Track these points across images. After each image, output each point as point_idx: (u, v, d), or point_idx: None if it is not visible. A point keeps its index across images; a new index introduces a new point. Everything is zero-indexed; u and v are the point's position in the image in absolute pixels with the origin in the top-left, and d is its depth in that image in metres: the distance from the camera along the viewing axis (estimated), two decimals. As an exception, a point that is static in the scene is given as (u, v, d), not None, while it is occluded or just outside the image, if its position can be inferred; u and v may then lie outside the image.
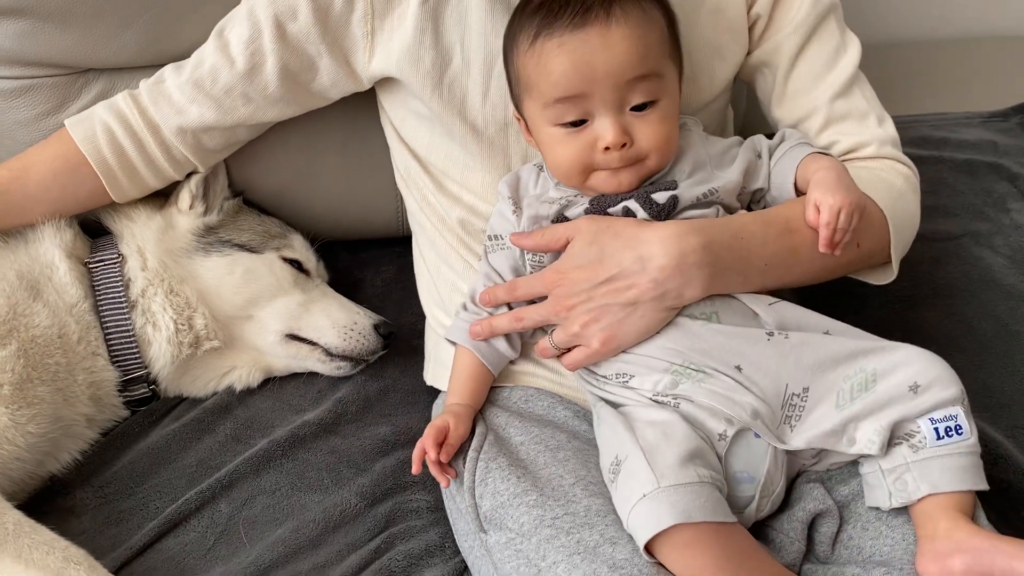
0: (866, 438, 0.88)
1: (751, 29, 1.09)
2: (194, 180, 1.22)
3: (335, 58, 1.10)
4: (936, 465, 0.86)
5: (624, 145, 0.92)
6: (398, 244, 1.36)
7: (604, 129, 0.92)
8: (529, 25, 0.94)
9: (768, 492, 0.90)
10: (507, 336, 1.02)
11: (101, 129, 1.14)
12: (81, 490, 1.10)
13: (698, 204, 0.96)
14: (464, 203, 1.10)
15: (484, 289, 1.02)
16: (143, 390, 1.17)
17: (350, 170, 1.32)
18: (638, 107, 0.92)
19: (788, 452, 0.91)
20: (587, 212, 0.96)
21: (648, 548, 0.82)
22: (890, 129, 1.09)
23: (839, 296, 1.14)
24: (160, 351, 1.15)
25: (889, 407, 0.88)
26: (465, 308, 1.04)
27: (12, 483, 1.05)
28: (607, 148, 0.92)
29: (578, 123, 0.93)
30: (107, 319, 1.14)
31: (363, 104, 1.21)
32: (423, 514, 1.10)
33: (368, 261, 1.41)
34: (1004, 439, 1.15)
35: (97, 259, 1.18)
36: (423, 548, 1.05)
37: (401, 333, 1.27)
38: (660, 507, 0.81)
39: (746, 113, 1.46)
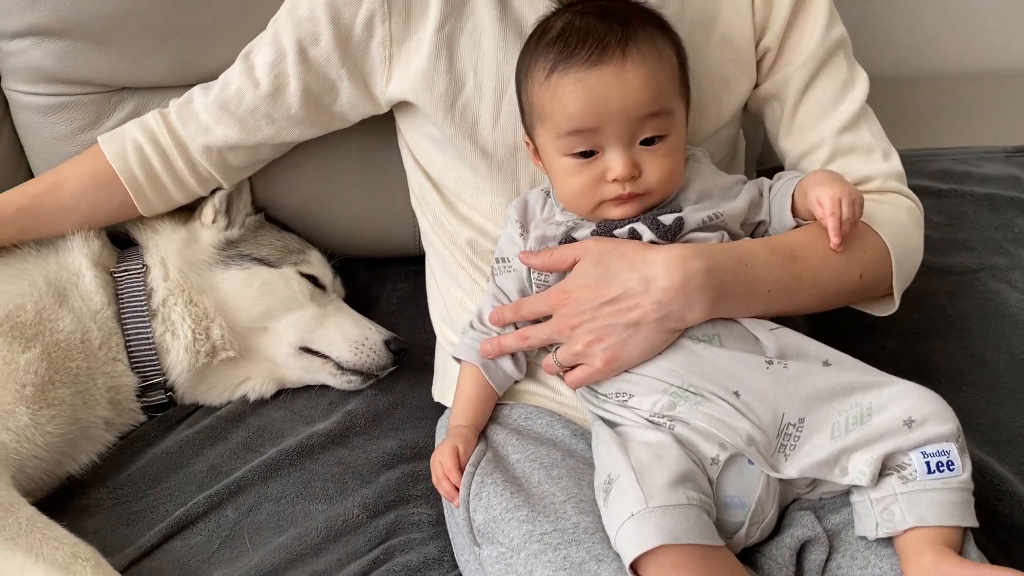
0: (857, 469, 0.88)
1: (760, 62, 1.10)
2: (218, 196, 1.26)
3: (355, 82, 1.14)
4: (925, 499, 0.86)
5: (633, 177, 0.94)
6: (414, 263, 1.39)
7: (614, 161, 0.94)
8: (545, 58, 0.97)
9: (758, 519, 0.90)
10: (513, 357, 1.04)
11: (131, 146, 1.19)
12: (96, 490, 1.14)
13: (703, 227, 0.98)
14: (474, 224, 1.13)
15: (491, 309, 1.05)
16: (160, 396, 1.22)
17: (368, 190, 1.35)
18: (647, 141, 0.95)
19: (781, 480, 0.92)
20: (593, 234, 0.99)
21: (634, 568, 0.83)
22: (895, 163, 1.09)
23: (850, 323, 1.15)
24: (178, 359, 1.19)
25: (882, 440, 0.88)
26: (472, 327, 1.07)
27: (30, 480, 1.09)
28: (615, 180, 0.94)
29: (588, 154, 0.96)
30: (128, 326, 1.19)
31: (382, 127, 1.24)
32: (424, 527, 1.12)
33: (385, 279, 1.44)
34: (1011, 475, 1.14)
35: (122, 269, 1.23)
36: (421, 560, 1.07)
37: (413, 350, 1.30)
38: (647, 527, 0.82)
39: (764, 143, 1.47)
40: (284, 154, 1.28)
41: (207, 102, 1.19)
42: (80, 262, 1.19)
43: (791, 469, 0.90)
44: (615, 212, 0.97)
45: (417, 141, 1.18)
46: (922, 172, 1.54)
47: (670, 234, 0.96)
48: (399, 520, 1.12)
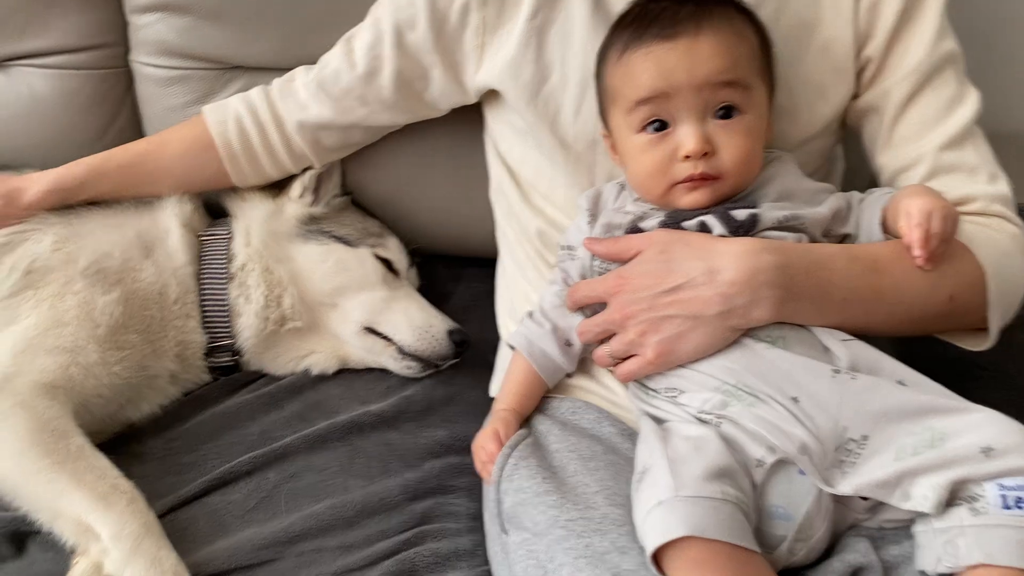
0: (921, 494, 0.80)
1: (860, 72, 1.05)
2: (308, 173, 1.30)
3: (447, 69, 1.16)
4: (997, 535, 0.76)
5: (706, 155, 0.90)
6: (492, 265, 1.37)
7: (685, 136, 0.91)
8: (619, 39, 0.96)
9: (805, 536, 0.83)
10: (563, 349, 1.01)
11: (232, 117, 1.25)
12: (152, 439, 1.17)
13: (780, 227, 0.93)
14: (546, 215, 1.12)
15: (551, 297, 1.02)
16: (227, 358, 1.24)
17: (455, 184, 1.36)
18: (722, 115, 0.91)
19: (836, 500, 0.84)
20: (662, 225, 0.95)
21: (658, 560, 0.77)
22: (1002, 187, 1.01)
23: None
24: (248, 322, 1.22)
25: (954, 465, 0.80)
26: (531, 316, 1.04)
27: (93, 419, 1.12)
28: (688, 156, 0.91)
29: (660, 129, 0.93)
30: (205, 286, 1.23)
31: (473, 123, 1.26)
32: (461, 519, 1.09)
33: (462, 276, 1.44)
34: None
35: (210, 233, 1.28)
36: (452, 550, 1.03)
37: (479, 347, 1.28)
38: (673, 516, 0.77)
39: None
40: (378, 141, 1.31)
41: (306, 80, 1.23)
42: (170, 221, 1.25)
43: (846, 486, 0.82)
44: (686, 199, 0.93)
45: (500, 131, 1.18)
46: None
47: (742, 230, 0.92)
48: (436, 508, 1.09)
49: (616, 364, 0.95)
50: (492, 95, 1.17)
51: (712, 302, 0.88)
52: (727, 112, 0.92)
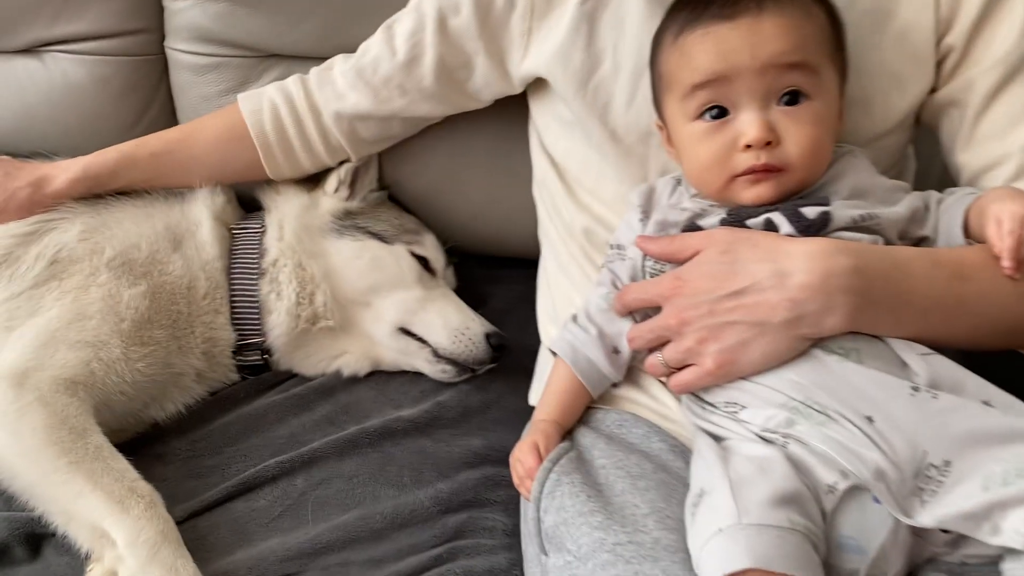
0: (1013, 528, 0.71)
1: (941, 62, 0.97)
2: (345, 167, 1.25)
3: (491, 56, 1.10)
4: None
5: (769, 144, 0.83)
6: (533, 266, 1.31)
7: (747, 123, 0.84)
8: (675, 21, 0.89)
9: (879, 571, 0.75)
10: (609, 356, 0.94)
11: (267, 106, 1.20)
12: (176, 440, 1.12)
13: (854, 227, 0.85)
14: (592, 212, 1.05)
15: (598, 300, 0.95)
16: (256, 357, 1.19)
17: (495, 180, 1.30)
18: (788, 101, 0.84)
19: (914, 532, 0.76)
20: (723, 223, 0.87)
21: (714, 594, 0.70)
22: None
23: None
24: (278, 320, 1.17)
25: (1052, 497, 0.71)
26: (575, 320, 0.97)
27: (115, 417, 1.08)
28: (749, 146, 0.83)
29: (719, 117, 0.85)
30: (236, 281, 1.18)
31: (515, 116, 1.20)
32: (496, 535, 1.02)
33: (500, 278, 1.38)
34: None
35: (242, 226, 1.23)
36: (486, 568, 0.97)
37: (517, 352, 1.22)
38: (736, 546, 0.69)
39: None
40: (416, 135, 1.26)
41: (345, 68, 1.18)
42: (201, 213, 1.20)
43: (927, 517, 0.74)
44: (748, 193, 0.86)
45: (547, 123, 1.11)
46: None
47: (813, 229, 0.84)
48: (471, 522, 1.03)
49: (670, 374, 0.88)
50: (538, 84, 1.11)
51: (780, 308, 0.80)
52: (793, 98, 0.84)
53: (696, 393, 0.86)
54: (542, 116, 1.12)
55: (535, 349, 1.19)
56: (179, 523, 0.99)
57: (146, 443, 1.12)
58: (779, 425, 0.79)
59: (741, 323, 0.81)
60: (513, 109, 1.19)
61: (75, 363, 1.03)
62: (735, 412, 0.82)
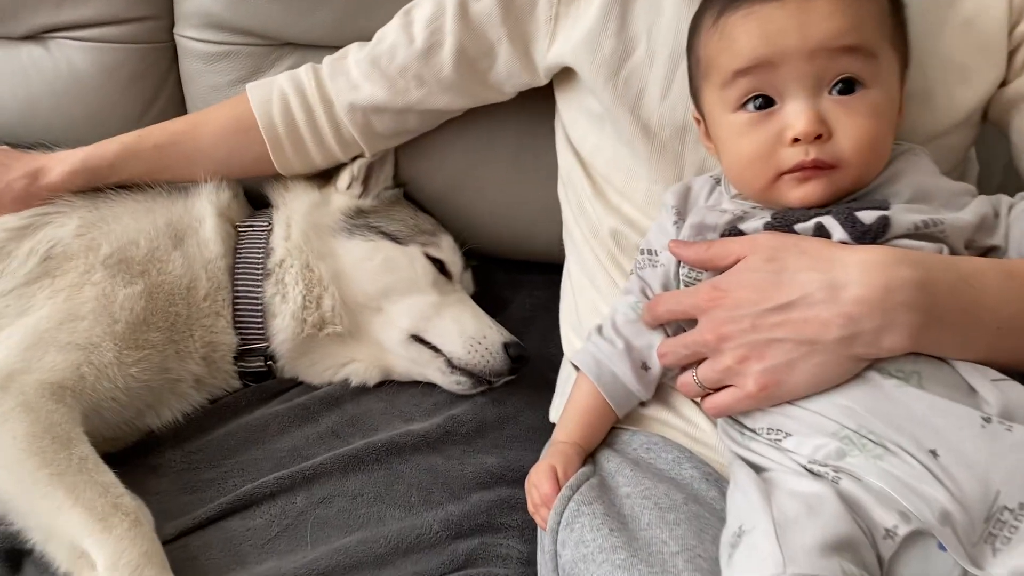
0: (1103, 584, 0.61)
1: (1012, 54, 0.87)
2: (358, 163, 1.18)
3: (514, 44, 1.02)
4: None
5: (819, 137, 0.74)
6: (557, 271, 1.23)
7: (794, 114, 0.75)
8: (715, 2, 0.80)
9: (942, 627, 0.65)
10: (637, 372, 0.85)
11: (277, 96, 1.13)
12: (171, 451, 1.05)
13: (916, 235, 0.75)
14: (621, 214, 0.96)
15: (625, 310, 0.87)
16: (259, 363, 1.12)
17: (518, 181, 1.23)
18: (841, 90, 0.74)
19: (983, 582, 0.66)
20: (767, 227, 0.78)
21: (753, 653, 0.61)
22: None
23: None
24: (283, 324, 1.10)
25: None
26: (600, 332, 0.89)
27: (107, 426, 1.01)
28: (797, 140, 0.74)
29: (763, 107, 0.77)
30: (239, 282, 1.11)
31: (540, 112, 1.13)
32: (511, 564, 0.94)
33: (522, 283, 1.30)
34: None
35: (248, 224, 1.16)
36: (499, 600, 0.89)
37: (537, 364, 1.15)
38: (778, 599, 0.60)
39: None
40: (434, 130, 1.18)
41: (359, 57, 1.11)
42: (205, 208, 1.13)
43: (1000, 567, 0.64)
44: (795, 193, 0.77)
45: (574, 117, 1.03)
46: None
47: (869, 236, 0.74)
48: (483, 549, 0.94)
49: (705, 395, 0.79)
50: (565, 75, 1.03)
51: (832, 325, 0.71)
52: (847, 86, 0.75)
53: (734, 417, 0.77)
54: (569, 109, 1.04)
55: (557, 361, 1.11)
56: (170, 541, 0.93)
57: (140, 453, 1.06)
58: (829, 456, 0.70)
59: (787, 341, 0.72)
60: (538, 102, 1.11)
61: (64, 367, 0.96)
62: (778, 440, 0.73)
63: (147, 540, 0.86)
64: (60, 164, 1.10)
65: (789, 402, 0.74)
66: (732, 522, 0.70)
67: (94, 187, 1.12)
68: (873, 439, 0.69)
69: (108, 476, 0.90)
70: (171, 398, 1.07)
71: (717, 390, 0.77)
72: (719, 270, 0.79)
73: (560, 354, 1.10)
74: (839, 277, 0.71)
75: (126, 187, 1.14)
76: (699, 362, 0.79)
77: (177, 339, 1.06)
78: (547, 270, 1.27)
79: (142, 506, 0.90)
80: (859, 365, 0.72)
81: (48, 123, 1.29)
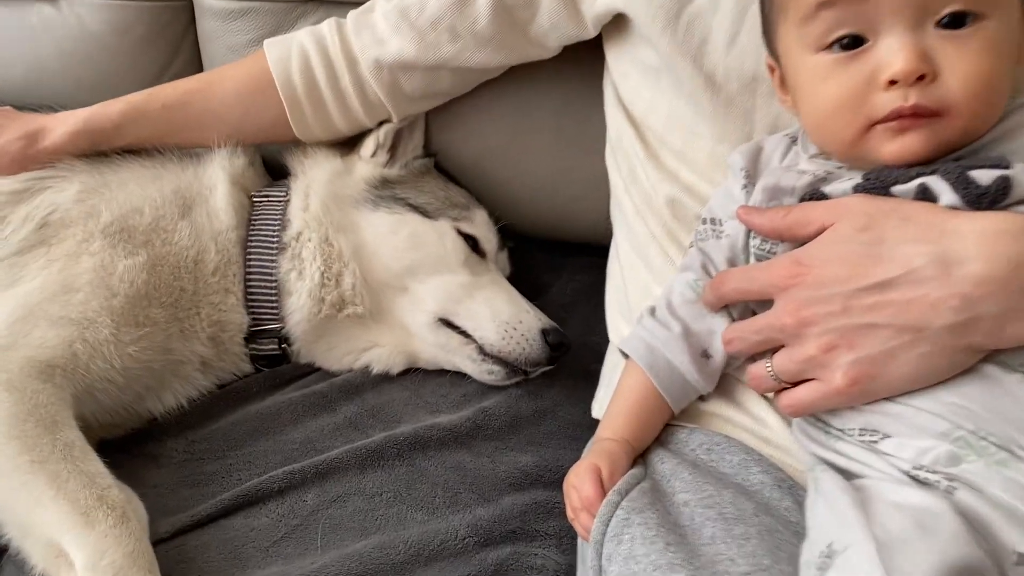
0: None
1: None
2: (384, 128, 1.08)
3: None
4: None
5: (921, 79, 0.61)
6: (602, 255, 1.12)
7: (891, 51, 0.62)
8: None
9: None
10: (696, 361, 0.73)
11: (297, 53, 1.03)
12: (173, 439, 0.96)
13: None
14: (679, 180, 0.84)
15: (683, 288, 0.75)
16: (272, 346, 1.02)
17: (562, 152, 1.12)
18: (948, 23, 0.62)
19: None
20: (858, 189, 0.66)
21: None
22: None
23: None
24: (299, 303, 1.00)
25: None
26: (653, 314, 0.77)
27: (103, 410, 0.92)
28: (893, 82, 0.62)
29: (852, 47, 0.64)
30: (252, 256, 1.01)
31: (587, 71, 1.02)
32: (547, 576, 0.82)
33: (563, 266, 1.19)
34: None
35: (264, 194, 1.06)
36: (533, 620, 0.78)
37: (579, 354, 1.04)
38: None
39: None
40: (468, 93, 1.08)
41: (387, 9, 1.00)
42: (217, 175, 1.04)
43: None
44: (890, 148, 0.64)
45: (625, 72, 0.92)
46: None
47: (986, 201, 0.62)
48: (515, 559, 0.84)
49: (780, 390, 0.66)
50: (616, 24, 0.92)
51: (943, 308, 0.59)
52: (957, 18, 0.62)
53: (818, 415, 0.65)
54: (620, 63, 0.93)
55: (601, 351, 1.01)
56: (164, 541, 0.84)
57: (139, 441, 0.97)
58: (938, 462, 0.58)
59: (886, 326, 0.60)
60: (584, 61, 1.01)
61: (55, 343, 0.87)
62: (874, 441, 0.62)
63: (133, 539, 0.76)
64: (61, 125, 1.01)
65: (887, 398, 0.61)
66: (818, 538, 0.58)
67: (99, 152, 1.03)
68: (995, 442, 0.57)
69: (95, 465, 0.81)
70: (174, 381, 0.98)
71: (795, 384, 0.65)
72: (798, 241, 0.67)
73: (604, 343, 1.00)
74: (953, 250, 0.59)
75: (135, 153, 1.05)
76: (773, 350, 0.67)
77: (182, 317, 0.97)
78: (591, 252, 1.16)
79: (133, 499, 0.81)
80: (973, 357, 0.60)
81: (56, 87, 1.21)
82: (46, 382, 0.84)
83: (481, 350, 0.99)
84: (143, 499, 0.84)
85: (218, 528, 0.86)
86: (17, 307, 0.89)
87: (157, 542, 0.82)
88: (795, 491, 0.69)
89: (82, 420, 0.88)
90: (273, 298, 1.00)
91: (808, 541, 0.60)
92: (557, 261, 1.20)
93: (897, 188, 0.64)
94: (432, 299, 1.01)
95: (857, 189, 0.66)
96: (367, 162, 1.07)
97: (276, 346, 1.02)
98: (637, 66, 0.90)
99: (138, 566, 0.74)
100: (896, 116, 0.63)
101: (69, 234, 0.95)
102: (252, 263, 1.01)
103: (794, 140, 0.76)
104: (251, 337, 1.01)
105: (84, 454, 0.81)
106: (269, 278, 1.00)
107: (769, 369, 0.67)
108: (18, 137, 1.00)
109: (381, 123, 1.08)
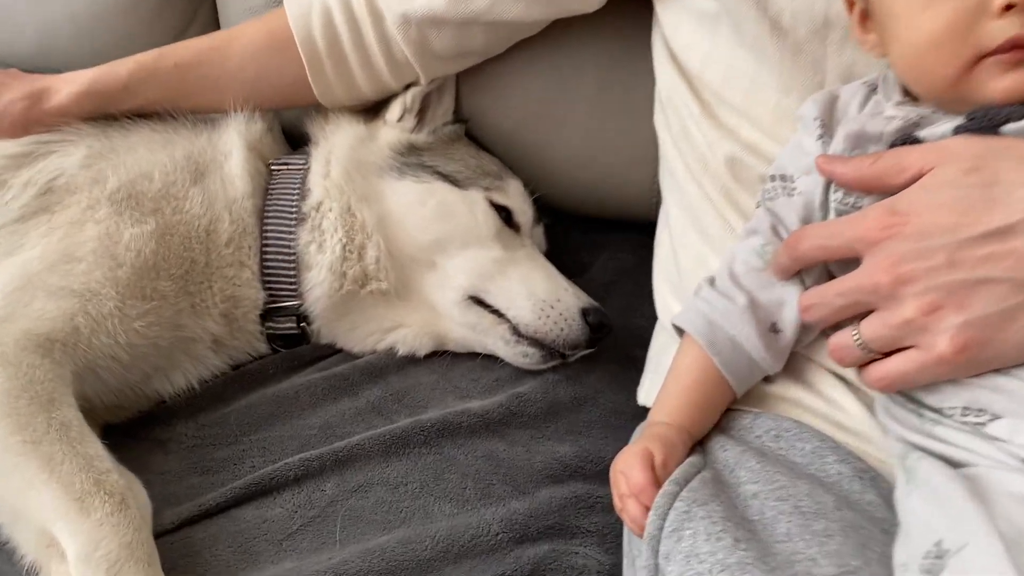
0: None
1: None
2: (412, 92, 1.00)
3: None
4: None
5: None
6: (646, 232, 1.03)
7: None
8: None
9: None
10: (764, 336, 0.65)
11: (318, 8, 0.96)
12: (183, 423, 0.90)
13: None
14: (740, 138, 0.76)
15: (747, 253, 0.66)
16: (289, 324, 0.95)
17: (604, 119, 1.04)
18: None
19: None
20: (959, 130, 0.58)
21: None
22: None
23: None
24: (319, 278, 0.93)
25: None
26: (712, 285, 0.69)
27: (107, 390, 0.86)
28: (1010, 6, 0.53)
29: None
30: (269, 227, 0.94)
31: (631, 28, 0.94)
32: (588, 576, 0.74)
33: (604, 244, 1.12)
34: None
35: (282, 161, 0.99)
36: (574, 625, 0.70)
37: (621, 337, 0.96)
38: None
39: None
40: (503, 54, 1.01)
41: (414, -41, 0.92)
42: (233, 141, 0.97)
43: None
44: (1001, 84, 0.56)
45: (677, 23, 0.83)
46: None
47: None
48: (553, 558, 0.76)
49: (868, 362, 0.58)
50: (668, -30, 0.83)
51: None
52: None
53: (910, 392, 0.56)
54: (670, 13, 0.84)
55: (645, 335, 0.93)
56: (169, 532, 0.78)
57: (146, 425, 0.91)
58: (1066, 449, 0.48)
59: (1004, 281, 0.52)
60: (630, 18, 0.93)
61: (54, 315, 0.81)
62: (980, 424, 0.53)
63: (132, 528, 0.69)
64: (67, 85, 0.95)
65: (997, 371, 0.52)
66: (918, 536, 0.50)
67: (108, 116, 0.97)
68: None
69: (93, 447, 0.74)
70: (185, 360, 0.91)
71: (888, 354, 0.56)
72: (889, 191, 0.58)
73: (648, 327, 0.92)
74: None
75: (145, 117, 0.98)
76: (860, 317, 0.58)
77: (193, 291, 0.90)
78: (634, 230, 1.08)
79: (135, 485, 0.75)
80: None
81: (68, 53, 1.15)
82: (44, 357, 0.78)
83: (515, 330, 0.91)
84: (148, 487, 0.78)
85: (228, 519, 0.79)
86: (15, 276, 0.83)
87: (161, 533, 0.75)
88: (878, 483, 0.61)
89: (84, 400, 0.81)
90: (291, 272, 0.93)
91: (903, 539, 0.52)
92: (596, 239, 1.12)
93: (1009, 127, 0.56)
94: (462, 275, 0.93)
95: (959, 130, 0.58)
96: (393, 127, 1.00)
97: (294, 324, 0.95)
98: (692, 16, 0.81)
99: (136, 558, 0.67)
100: (1011, 47, 0.55)
101: (73, 201, 0.89)
102: (269, 234, 0.94)
103: (873, 88, 0.67)
104: (267, 314, 0.94)
105: (82, 435, 0.74)
106: (287, 250, 0.93)
107: (856, 338, 0.58)
108: (21, 97, 0.94)
109: (408, 86, 1.00)
